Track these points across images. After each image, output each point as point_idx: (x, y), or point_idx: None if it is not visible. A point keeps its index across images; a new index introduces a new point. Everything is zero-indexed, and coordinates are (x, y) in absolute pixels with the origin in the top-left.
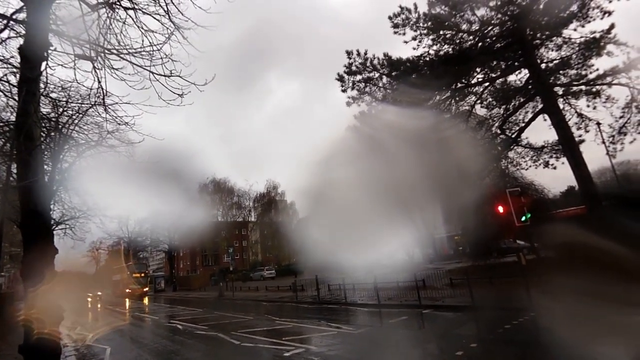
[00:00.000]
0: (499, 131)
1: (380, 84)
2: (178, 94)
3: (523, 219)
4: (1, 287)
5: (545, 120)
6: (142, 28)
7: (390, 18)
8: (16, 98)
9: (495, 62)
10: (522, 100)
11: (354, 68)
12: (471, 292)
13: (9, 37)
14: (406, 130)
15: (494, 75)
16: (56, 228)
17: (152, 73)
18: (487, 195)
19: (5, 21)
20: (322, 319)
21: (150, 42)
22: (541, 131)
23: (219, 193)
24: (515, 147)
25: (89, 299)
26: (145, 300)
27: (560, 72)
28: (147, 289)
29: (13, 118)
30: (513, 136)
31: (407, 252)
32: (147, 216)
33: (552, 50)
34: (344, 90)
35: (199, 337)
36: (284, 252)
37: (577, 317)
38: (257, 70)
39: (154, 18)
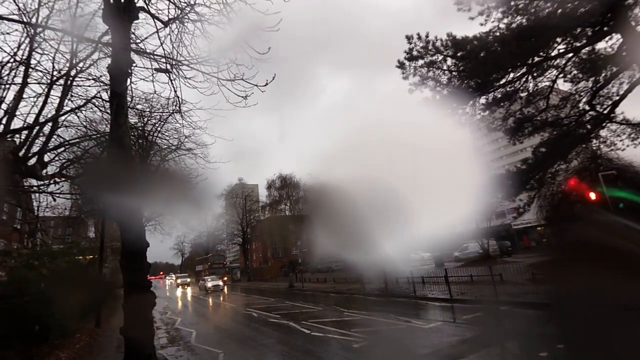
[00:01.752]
0: (587, 107)
1: (445, 67)
2: (242, 97)
3: (620, 205)
4: (106, 277)
5: None
6: (209, 38)
7: None
8: (109, 111)
9: (579, 30)
10: (615, 70)
11: (415, 53)
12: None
13: (99, 58)
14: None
15: (578, 44)
16: (147, 224)
17: (219, 79)
18: (576, 181)
19: (94, 45)
20: (391, 312)
21: (216, 50)
22: None
23: (286, 188)
24: (609, 125)
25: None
26: (225, 289)
27: None
28: (225, 278)
29: (107, 129)
30: (605, 112)
31: (482, 244)
32: (222, 212)
33: None
34: (405, 78)
35: (272, 325)
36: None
37: None
38: (309, 67)
39: (219, 27)
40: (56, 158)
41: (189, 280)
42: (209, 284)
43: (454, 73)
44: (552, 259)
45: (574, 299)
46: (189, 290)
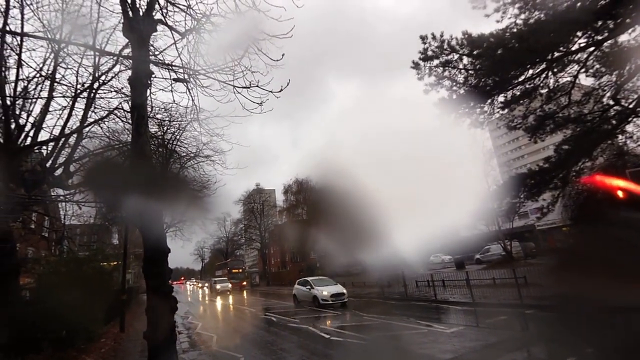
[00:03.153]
0: (612, 102)
1: (461, 66)
2: (258, 103)
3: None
4: (129, 282)
5: None
6: (224, 47)
7: None
8: (130, 122)
9: (600, 22)
10: (639, 62)
11: (429, 53)
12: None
13: (120, 71)
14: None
15: (600, 37)
16: (168, 230)
17: (235, 87)
18: (602, 178)
19: (115, 58)
20: (411, 316)
21: (231, 58)
22: None
23: (302, 193)
24: (635, 119)
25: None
26: (244, 294)
27: None
28: (245, 283)
29: (129, 139)
30: (631, 106)
31: (504, 246)
32: (240, 217)
33: None
34: (420, 78)
35: (292, 329)
36: (368, 248)
37: None
38: (321, 73)
39: (234, 36)
40: (81, 168)
41: (230, 285)
42: (325, 292)
43: (470, 72)
44: (569, 261)
45: (598, 302)
46: (230, 299)
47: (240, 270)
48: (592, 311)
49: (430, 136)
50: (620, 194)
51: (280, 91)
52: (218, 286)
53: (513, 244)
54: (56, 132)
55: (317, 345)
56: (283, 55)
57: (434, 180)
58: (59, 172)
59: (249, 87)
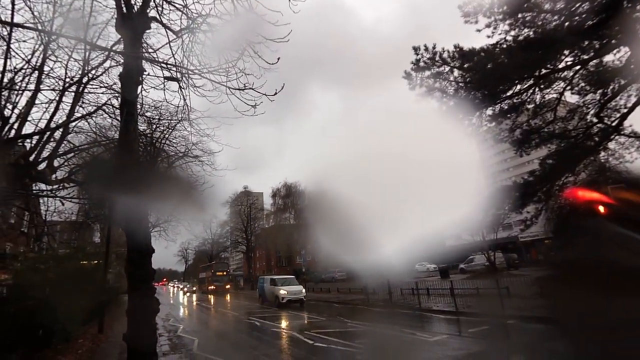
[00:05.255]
0: (595, 119)
1: (452, 78)
2: (251, 105)
3: None
4: (110, 282)
5: None
6: (219, 47)
7: (460, 7)
8: (119, 118)
9: (587, 42)
10: (623, 82)
11: (421, 64)
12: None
13: (110, 67)
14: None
15: (586, 56)
16: (152, 230)
17: (228, 88)
18: (584, 194)
19: (106, 53)
20: (395, 324)
21: (226, 60)
22: None
23: (291, 197)
24: (617, 137)
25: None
26: (227, 297)
27: None
28: (228, 286)
29: (117, 136)
30: (613, 124)
31: (488, 256)
32: (226, 219)
33: None
34: (412, 89)
35: (275, 335)
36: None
37: None
38: (308, 81)
39: (229, 37)
40: (65, 163)
41: (304, 291)
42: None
43: (460, 84)
44: (554, 273)
45: (578, 314)
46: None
47: (225, 273)
48: (586, 324)
49: (420, 146)
50: (601, 208)
51: (274, 94)
52: (282, 292)
53: (496, 254)
54: (41, 125)
55: (301, 351)
56: (279, 59)
57: (423, 188)
58: (42, 166)
59: (242, 89)
